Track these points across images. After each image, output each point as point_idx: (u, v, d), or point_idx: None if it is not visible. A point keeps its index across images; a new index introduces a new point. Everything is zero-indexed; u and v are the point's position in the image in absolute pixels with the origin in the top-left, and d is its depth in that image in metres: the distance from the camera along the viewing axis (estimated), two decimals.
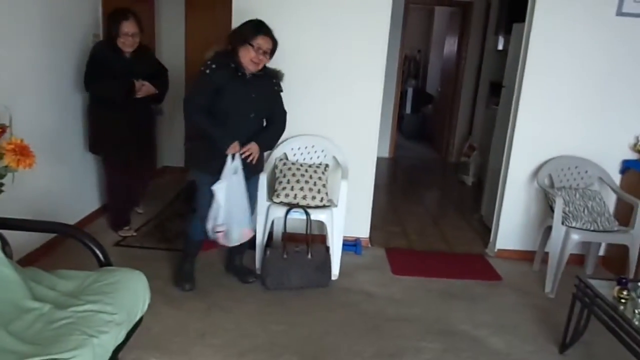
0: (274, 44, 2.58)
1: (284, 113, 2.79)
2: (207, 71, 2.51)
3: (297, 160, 3.22)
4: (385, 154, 6.70)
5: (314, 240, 2.96)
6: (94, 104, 3.30)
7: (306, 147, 3.26)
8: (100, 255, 1.90)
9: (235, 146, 2.54)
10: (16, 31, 2.74)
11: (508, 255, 3.59)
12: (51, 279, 1.85)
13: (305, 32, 3.25)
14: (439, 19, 8.50)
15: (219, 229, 2.60)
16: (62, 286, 1.79)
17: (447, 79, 7.27)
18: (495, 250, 3.61)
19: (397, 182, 5.98)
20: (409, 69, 9.19)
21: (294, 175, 2.97)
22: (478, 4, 6.34)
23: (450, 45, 7.14)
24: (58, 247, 3.08)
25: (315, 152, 3.27)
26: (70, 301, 1.68)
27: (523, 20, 3.41)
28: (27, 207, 2.70)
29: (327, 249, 2.96)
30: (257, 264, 3.05)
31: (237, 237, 2.67)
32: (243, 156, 2.60)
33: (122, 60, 3.19)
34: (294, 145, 3.24)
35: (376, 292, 2.96)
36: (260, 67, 2.58)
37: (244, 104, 2.59)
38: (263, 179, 2.94)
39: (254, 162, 2.65)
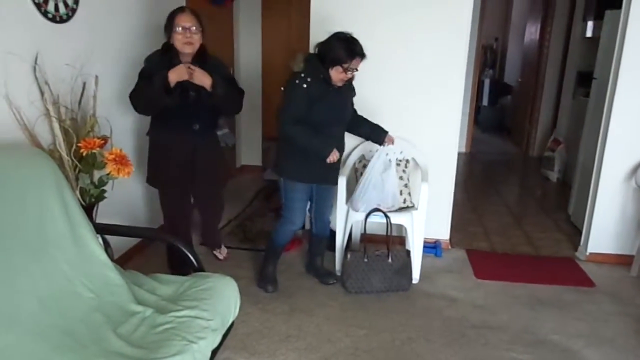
0: (363, 57, 2.56)
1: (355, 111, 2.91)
2: (304, 85, 2.53)
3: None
4: (462, 148, 6.50)
5: (393, 242, 2.93)
6: (150, 129, 2.78)
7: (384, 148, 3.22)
8: (195, 262, 2.00)
9: (335, 153, 2.60)
10: (113, 47, 2.93)
11: (601, 259, 3.36)
12: (150, 283, 1.97)
13: (381, 29, 3.20)
14: (518, 4, 8.09)
15: (383, 207, 2.87)
16: (161, 290, 1.91)
17: (528, 69, 6.91)
18: (587, 253, 3.40)
19: (474, 179, 5.78)
20: (486, 59, 8.84)
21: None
22: None
23: (531, 33, 6.78)
24: (144, 250, 3.24)
25: (394, 153, 3.22)
26: (169, 306, 1.79)
27: (617, 6, 3.16)
28: (117, 212, 2.86)
29: (408, 252, 2.92)
30: (337, 266, 3.07)
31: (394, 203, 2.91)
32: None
33: (166, 65, 2.52)
34: (372, 147, 3.21)
35: (459, 297, 2.89)
36: (347, 81, 2.63)
37: (335, 113, 2.65)
38: (342, 182, 2.95)
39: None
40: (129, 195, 3.16)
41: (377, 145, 2.92)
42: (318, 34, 2.80)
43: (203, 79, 2.53)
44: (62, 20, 2.47)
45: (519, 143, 7.03)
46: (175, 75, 2.47)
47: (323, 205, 2.90)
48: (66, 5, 2.48)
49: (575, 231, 3.76)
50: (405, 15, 3.18)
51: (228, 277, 1.99)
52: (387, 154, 2.84)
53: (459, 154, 3.57)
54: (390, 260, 2.84)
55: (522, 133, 6.84)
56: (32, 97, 2.25)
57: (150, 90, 2.47)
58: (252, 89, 4.97)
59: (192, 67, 2.53)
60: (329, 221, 2.98)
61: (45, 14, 2.34)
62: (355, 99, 2.86)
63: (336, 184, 2.91)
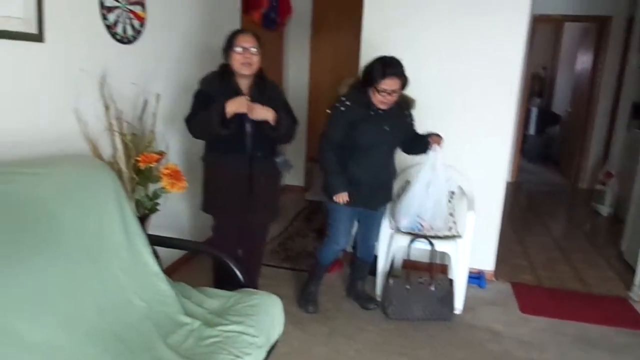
0: (402, 82, 2.53)
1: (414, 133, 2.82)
2: (342, 108, 2.59)
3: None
4: (507, 177, 6.36)
5: (435, 270, 2.89)
6: (206, 153, 2.62)
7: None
8: (241, 278, 2.04)
9: (344, 196, 2.60)
10: (173, 67, 3.07)
11: None
12: (198, 295, 2.02)
13: (432, 57, 3.22)
14: (568, 34, 7.94)
15: (425, 225, 2.80)
16: (208, 304, 1.95)
17: (578, 98, 6.75)
18: None
19: (520, 209, 5.64)
20: (533, 87, 8.68)
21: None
22: (618, 18, 5.83)
23: (583, 62, 6.64)
24: (188, 263, 3.32)
25: (441, 161, 3.19)
26: (216, 320, 1.82)
27: None
28: (162, 225, 2.93)
29: (451, 281, 2.87)
30: (378, 291, 3.05)
31: (443, 227, 2.85)
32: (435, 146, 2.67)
33: (232, 92, 2.41)
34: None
35: (503, 331, 2.80)
36: (390, 105, 2.58)
37: (377, 138, 2.63)
38: (387, 207, 2.95)
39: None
40: (173, 208, 3.26)
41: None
42: (368, 59, 2.84)
43: (264, 114, 2.39)
44: (129, 42, 2.61)
45: (567, 174, 6.82)
46: (234, 108, 2.33)
47: (369, 230, 2.90)
48: (133, 27, 2.63)
49: (628, 269, 3.59)
50: (457, 43, 3.19)
51: (274, 295, 2.01)
52: (434, 162, 2.67)
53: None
54: (433, 288, 2.80)
55: (571, 164, 6.64)
56: (97, 112, 2.38)
57: (206, 119, 2.35)
58: (298, 111, 4.99)
59: (252, 103, 2.38)
60: (373, 246, 2.97)
61: (114, 35, 2.49)
62: None
63: (377, 209, 2.83)
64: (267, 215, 2.74)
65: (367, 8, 3.27)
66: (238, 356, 1.63)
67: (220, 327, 1.76)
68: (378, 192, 2.75)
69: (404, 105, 2.72)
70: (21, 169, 1.74)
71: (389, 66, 2.49)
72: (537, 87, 8.85)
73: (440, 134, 2.70)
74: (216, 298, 1.99)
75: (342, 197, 2.60)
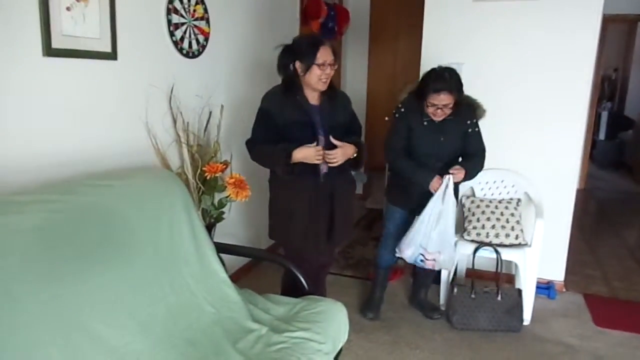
0: (455, 96, 2.44)
1: (482, 150, 2.70)
2: (397, 115, 2.64)
3: (484, 196, 3.09)
4: (576, 184, 6.06)
5: (501, 280, 2.79)
6: (272, 174, 2.40)
7: (495, 182, 3.12)
8: (305, 285, 2.06)
9: (437, 181, 2.54)
10: (235, 80, 3.16)
11: None
12: (264, 302, 2.05)
13: (497, 60, 3.14)
14: None
15: (430, 257, 2.58)
16: (274, 310, 1.98)
17: None
18: None
19: (590, 218, 5.35)
20: (604, 90, 8.25)
21: (483, 212, 2.86)
22: None
23: None
24: (252, 270, 3.38)
25: (505, 187, 3.11)
26: (283, 326, 1.84)
27: None
28: (226, 232, 2.96)
29: (519, 291, 2.76)
30: (442, 300, 2.99)
31: (449, 260, 2.64)
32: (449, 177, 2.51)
33: (297, 107, 2.21)
34: (481, 180, 3.12)
35: (576, 345, 2.66)
36: (444, 116, 2.53)
37: (433, 148, 2.59)
38: None
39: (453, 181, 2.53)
40: (244, 218, 3.35)
41: (503, 175, 2.86)
42: (428, 66, 2.80)
43: (347, 155, 2.22)
44: (194, 56, 2.72)
45: None
46: (301, 157, 2.16)
47: None
48: (198, 42, 2.74)
49: None
50: (522, 45, 3.09)
51: (339, 302, 2.02)
52: (445, 189, 2.52)
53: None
54: (499, 298, 2.70)
55: None
56: (166, 125, 2.49)
57: (270, 159, 2.23)
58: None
59: (329, 152, 2.18)
60: None
61: (180, 50, 2.60)
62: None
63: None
64: (348, 232, 2.57)
65: (427, 13, 3.23)
66: None
67: (287, 334, 1.78)
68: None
69: (468, 114, 2.63)
70: (98, 181, 1.84)
71: (439, 81, 2.42)
72: (607, 90, 8.41)
73: (461, 168, 2.55)
74: (282, 305, 2.02)
75: (436, 183, 2.53)
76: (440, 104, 2.45)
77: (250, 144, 2.33)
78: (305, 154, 2.17)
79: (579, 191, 6.09)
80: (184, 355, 1.64)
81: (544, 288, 3.18)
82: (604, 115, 7.87)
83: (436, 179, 2.54)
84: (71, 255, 1.52)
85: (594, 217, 5.40)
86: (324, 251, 2.42)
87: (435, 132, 2.57)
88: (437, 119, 2.53)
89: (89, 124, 2.08)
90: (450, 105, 2.47)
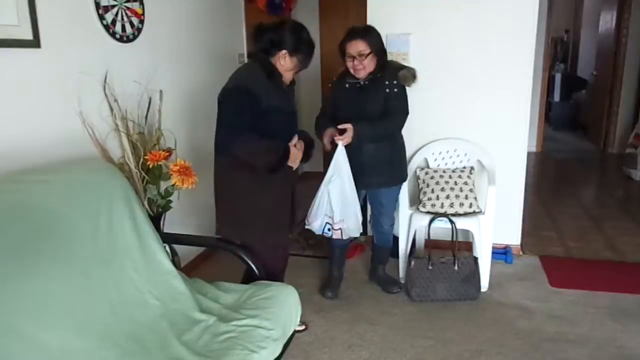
0: (368, 43, 2.46)
1: (401, 112, 2.59)
2: (330, 85, 2.81)
3: (438, 166, 3.09)
4: (532, 147, 6.17)
5: (459, 248, 2.81)
6: (233, 170, 2.19)
7: (447, 152, 3.12)
8: (256, 270, 2.01)
9: (327, 134, 2.53)
10: (174, 64, 3.03)
11: None
12: (213, 291, 2.00)
13: (441, 24, 3.09)
14: None
15: (337, 226, 2.49)
16: (223, 299, 1.93)
17: (604, 61, 6.47)
18: None
19: (547, 180, 5.46)
20: (556, 52, 8.38)
21: (437, 183, 2.86)
22: None
23: (607, 22, 6.36)
24: (211, 258, 3.33)
25: (458, 156, 3.11)
26: (231, 315, 1.80)
27: None
28: (183, 222, 2.91)
29: (475, 259, 2.79)
30: (401, 274, 2.99)
31: (354, 228, 2.54)
32: (337, 141, 2.44)
33: (281, 91, 2.17)
34: (434, 150, 3.12)
35: (532, 307, 2.71)
36: (366, 72, 2.52)
37: (354, 109, 2.58)
38: (405, 188, 2.87)
39: (343, 143, 2.43)
40: (195, 205, 3.26)
41: (455, 144, 2.92)
42: None
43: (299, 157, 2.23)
44: (129, 40, 2.58)
45: (596, 140, 6.58)
46: (294, 164, 2.20)
47: (378, 213, 2.83)
48: (132, 25, 2.60)
49: None
50: (467, 9, 3.05)
51: (289, 286, 1.98)
52: (338, 155, 2.44)
53: (529, 153, 3.39)
54: (456, 267, 2.72)
55: (600, 129, 6.40)
56: (102, 114, 2.36)
57: (263, 154, 2.08)
58: (311, 94, 5.03)
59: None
60: (388, 231, 2.86)
61: (113, 34, 2.46)
62: (415, 99, 2.67)
63: (376, 188, 2.71)
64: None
65: None
66: (253, 350, 1.60)
67: (234, 322, 1.74)
68: (374, 170, 2.62)
69: (391, 76, 2.55)
70: (31, 176, 1.75)
71: (352, 31, 2.52)
72: (560, 52, 8.54)
73: (349, 125, 2.42)
74: (231, 292, 1.97)
75: (325, 137, 2.54)
76: (354, 52, 2.48)
77: (236, 132, 2.03)
78: (296, 156, 2.17)
79: (535, 154, 6.26)
80: (126, 352, 1.58)
81: (501, 253, 3.23)
82: (558, 77, 8.02)
83: (327, 132, 2.53)
84: None
85: (551, 179, 5.52)
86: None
87: (357, 94, 2.60)
88: (359, 74, 2.54)
89: (16, 118, 1.96)
90: (366, 54, 2.47)
